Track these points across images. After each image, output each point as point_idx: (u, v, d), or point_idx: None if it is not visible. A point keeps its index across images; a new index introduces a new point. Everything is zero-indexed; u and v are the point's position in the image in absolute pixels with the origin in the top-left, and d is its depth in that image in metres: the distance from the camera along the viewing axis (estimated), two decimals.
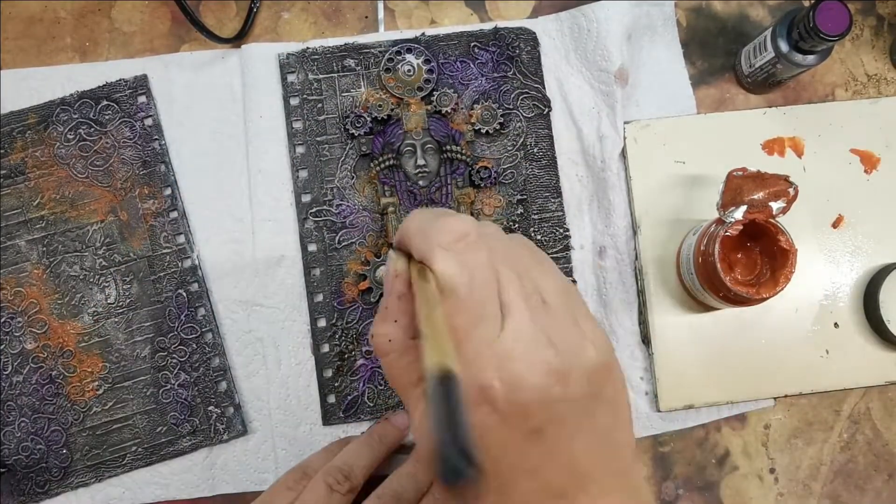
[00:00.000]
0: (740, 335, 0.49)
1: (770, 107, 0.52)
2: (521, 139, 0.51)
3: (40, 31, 0.53)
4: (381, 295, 0.48)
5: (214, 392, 0.49)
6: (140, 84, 0.51)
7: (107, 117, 0.50)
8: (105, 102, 0.51)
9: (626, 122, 0.51)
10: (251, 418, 0.49)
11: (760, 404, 0.50)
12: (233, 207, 0.51)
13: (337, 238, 0.50)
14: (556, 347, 0.26)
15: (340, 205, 0.50)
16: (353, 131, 0.49)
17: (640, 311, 0.50)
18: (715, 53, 0.53)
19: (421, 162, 0.49)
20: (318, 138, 0.50)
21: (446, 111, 0.50)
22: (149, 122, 0.51)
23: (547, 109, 0.51)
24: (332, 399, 0.49)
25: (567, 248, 0.51)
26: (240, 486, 0.49)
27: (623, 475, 0.29)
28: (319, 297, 0.49)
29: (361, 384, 0.49)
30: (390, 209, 0.49)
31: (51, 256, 0.49)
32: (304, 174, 0.50)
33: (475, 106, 0.50)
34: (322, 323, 0.49)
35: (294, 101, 0.50)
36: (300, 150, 0.50)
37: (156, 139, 0.51)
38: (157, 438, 0.48)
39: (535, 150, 0.51)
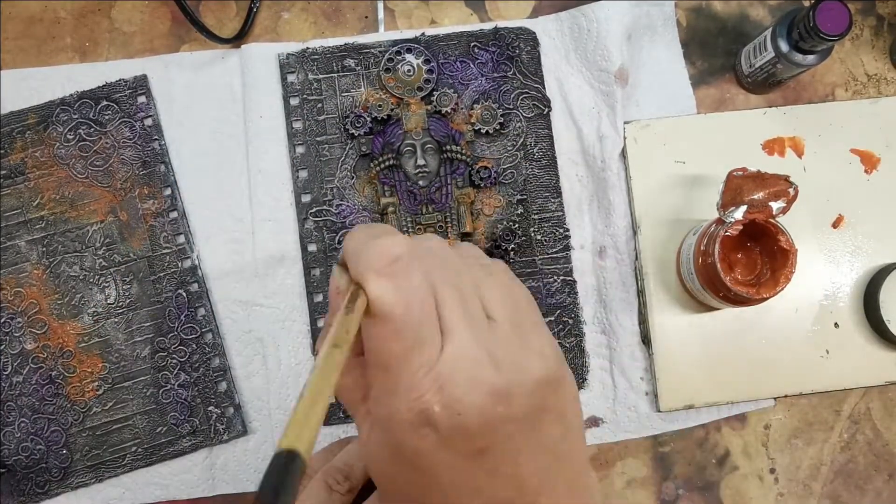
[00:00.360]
0: (740, 335, 0.49)
1: (770, 107, 0.52)
2: (521, 139, 0.51)
3: (40, 31, 0.53)
4: None
5: (214, 392, 0.49)
6: (140, 84, 0.51)
7: (107, 117, 0.50)
8: (105, 102, 0.51)
9: (626, 122, 0.51)
10: (251, 418, 0.49)
11: (760, 404, 0.50)
12: (233, 207, 0.51)
13: (337, 238, 0.50)
14: (499, 366, 0.26)
15: (340, 205, 0.50)
16: (353, 131, 0.49)
17: (640, 311, 0.50)
18: (715, 53, 0.53)
19: (421, 162, 0.49)
20: (317, 138, 0.50)
21: (446, 111, 0.50)
22: (149, 122, 0.51)
23: (547, 109, 0.51)
24: (331, 399, 0.49)
25: (567, 247, 0.50)
26: (240, 487, 0.49)
27: (573, 484, 0.29)
28: (319, 298, 0.49)
29: None
30: (390, 209, 0.49)
31: (51, 257, 0.49)
32: (304, 174, 0.50)
33: (475, 106, 0.50)
34: (322, 323, 0.49)
35: (294, 101, 0.50)
36: (300, 150, 0.50)
37: (156, 139, 0.51)
38: (157, 439, 0.48)
39: (535, 150, 0.51)
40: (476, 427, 0.25)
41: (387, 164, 0.49)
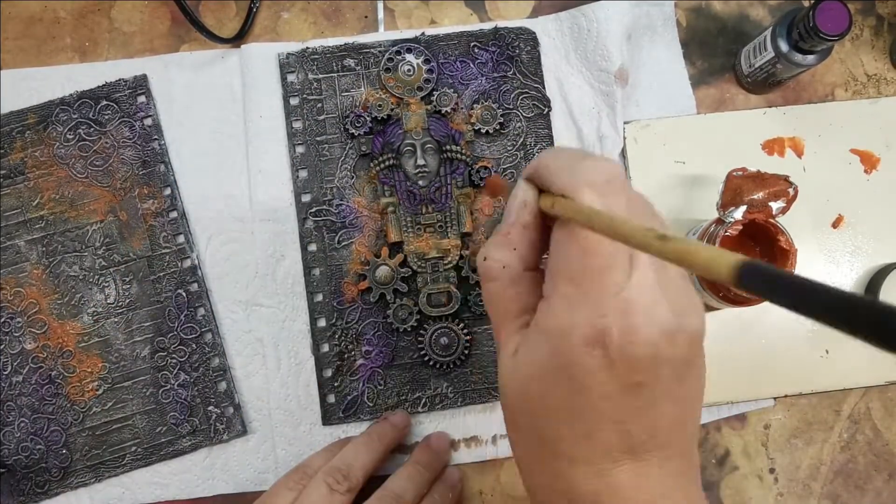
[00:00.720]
0: (740, 335, 0.49)
1: (770, 107, 0.52)
2: (521, 139, 0.51)
3: (40, 31, 0.53)
4: (381, 294, 0.48)
5: (214, 392, 0.49)
6: (140, 84, 0.51)
7: (106, 117, 0.50)
8: (105, 102, 0.51)
9: (626, 122, 0.51)
10: (251, 418, 0.49)
11: (760, 404, 0.50)
12: (233, 207, 0.51)
13: (337, 238, 0.50)
14: (672, 308, 0.26)
15: (340, 205, 0.50)
16: (353, 131, 0.49)
17: None
18: (715, 53, 0.53)
19: (421, 162, 0.49)
20: (317, 138, 0.50)
21: (446, 111, 0.50)
22: (148, 122, 0.51)
23: (547, 109, 0.51)
24: (331, 399, 0.49)
25: None
26: (240, 486, 0.49)
27: (690, 443, 0.30)
28: (319, 297, 0.49)
29: (361, 384, 0.49)
30: (390, 209, 0.49)
31: (50, 256, 0.49)
32: (303, 174, 0.50)
33: (475, 106, 0.50)
34: (322, 323, 0.49)
35: (294, 101, 0.50)
36: (300, 149, 0.50)
37: (155, 139, 0.51)
38: (156, 438, 0.48)
39: (535, 150, 0.51)
40: (643, 359, 0.26)
41: (387, 163, 0.49)
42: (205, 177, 0.51)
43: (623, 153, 0.51)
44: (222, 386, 0.49)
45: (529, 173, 0.31)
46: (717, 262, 0.20)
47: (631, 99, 0.52)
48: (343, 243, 0.50)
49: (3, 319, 0.49)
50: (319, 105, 0.50)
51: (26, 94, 0.51)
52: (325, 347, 0.49)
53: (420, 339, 0.49)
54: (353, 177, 0.50)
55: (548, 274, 0.28)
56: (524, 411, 0.30)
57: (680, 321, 0.27)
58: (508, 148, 0.51)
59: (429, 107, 0.50)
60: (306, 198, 0.50)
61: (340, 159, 0.50)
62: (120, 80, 0.51)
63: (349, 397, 0.49)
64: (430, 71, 0.50)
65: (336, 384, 0.49)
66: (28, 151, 0.50)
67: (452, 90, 0.50)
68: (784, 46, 0.47)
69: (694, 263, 0.21)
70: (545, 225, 0.30)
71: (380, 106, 0.50)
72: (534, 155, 0.51)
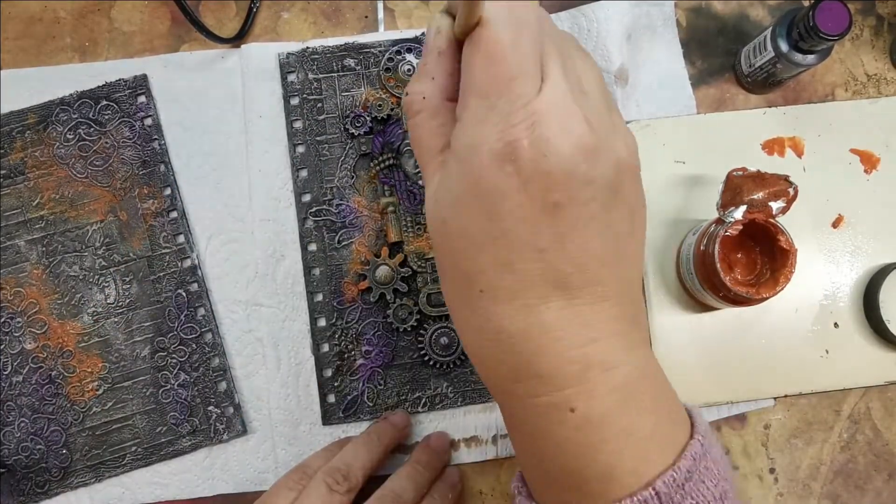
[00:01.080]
0: (740, 335, 0.49)
1: (770, 107, 0.52)
2: None
3: (40, 31, 0.53)
4: (381, 294, 0.48)
5: (214, 392, 0.49)
6: (140, 84, 0.51)
7: (106, 117, 0.50)
8: (105, 102, 0.51)
9: (626, 122, 0.51)
10: (251, 418, 0.49)
11: (760, 404, 0.50)
12: (233, 207, 0.51)
13: (337, 238, 0.50)
14: (591, 125, 0.26)
15: (340, 204, 0.50)
16: (353, 131, 0.49)
17: None
18: (715, 53, 0.53)
19: None
20: (317, 138, 0.50)
21: None
22: (148, 122, 0.51)
23: None
24: (331, 399, 0.49)
25: None
26: (240, 486, 0.49)
27: (629, 286, 0.29)
28: (319, 297, 0.49)
29: (361, 384, 0.49)
30: (390, 209, 0.49)
31: (50, 256, 0.49)
32: (303, 174, 0.50)
33: None
34: (322, 322, 0.49)
35: (294, 101, 0.51)
36: (300, 149, 0.50)
37: (155, 139, 0.51)
38: (156, 438, 0.48)
39: None
40: (557, 175, 0.25)
41: (387, 163, 0.49)
42: (205, 177, 0.51)
43: None
44: (222, 386, 0.49)
45: (447, 5, 0.30)
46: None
47: (631, 99, 0.52)
48: (343, 243, 0.50)
49: (3, 319, 0.49)
50: (319, 105, 0.50)
51: (26, 94, 0.51)
52: (325, 347, 0.49)
53: (420, 338, 0.49)
54: (353, 177, 0.50)
55: (460, 94, 0.27)
56: (446, 247, 0.28)
57: (599, 139, 0.26)
58: None
59: None
60: (306, 198, 0.50)
61: (340, 159, 0.50)
62: (120, 80, 0.51)
63: (349, 397, 0.49)
64: None
65: (336, 384, 0.49)
66: (28, 151, 0.50)
67: None
68: (784, 46, 0.47)
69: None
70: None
71: (380, 106, 0.50)
72: None
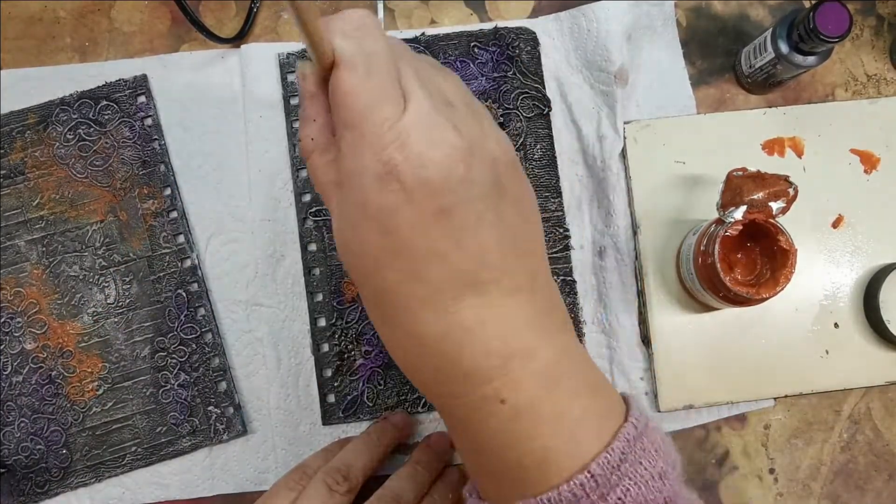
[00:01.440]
0: (740, 335, 0.49)
1: (770, 107, 0.52)
2: (521, 139, 0.51)
3: (40, 31, 0.53)
4: None
5: (214, 392, 0.49)
6: (140, 84, 0.51)
7: (106, 117, 0.50)
8: (105, 102, 0.51)
9: (626, 122, 0.51)
10: (251, 418, 0.49)
11: (760, 404, 0.50)
12: (232, 207, 0.51)
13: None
14: (460, 132, 0.27)
15: None
16: None
17: (640, 311, 0.50)
18: (715, 53, 0.53)
19: None
20: None
21: None
22: (148, 122, 0.51)
23: (547, 109, 0.51)
24: (331, 399, 0.49)
25: (567, 247, 0.50)
26: (240, 486, 0.49)
27: (534, 276, 0.30)
28: (319, 297, 0.49)
29: (361, 384, 0.49)
30: None
31: (50, 256, 0.49)
32: (304, 174, 0.50)
33: None
34: (322, 322, 0.49)
35: (294, 101, 0.50)
36: (300, 150, 0.50)
37: (155, 139, 0.51)
38: (156, 438, 0.48)
39: (535, 150, 0.51)
40: (438, 181, 0.27)
41: None
42: (205, 177, 0.51)
43: (623, 153, 0.51)
44: (222, 386, 0.49)
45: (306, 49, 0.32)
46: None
47: (631, 99, 0.52)
48: None
49: (3, 319, 0.49)
50: None
51: (26, 94, 0.51)
52: (325, 347, 0.49)
53: None
54: None
55: (336, 129, 0.29)
56: (356, 270, 0.30)
57: (470, 143, 0.27)
58: None
59: None
60: (306, 198, 0.50)
61: None
62: (120, 80, 0.51)
63: (349, 397, 0.49)
64: None
65: (336, 384, 0.49)
66: (28, 151, 0.50)
67: None
68: (784, 48, 0.47)
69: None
70: None
71: None
72: (534, 155, 0.51)
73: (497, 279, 0.28)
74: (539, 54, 0.51)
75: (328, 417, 0.49)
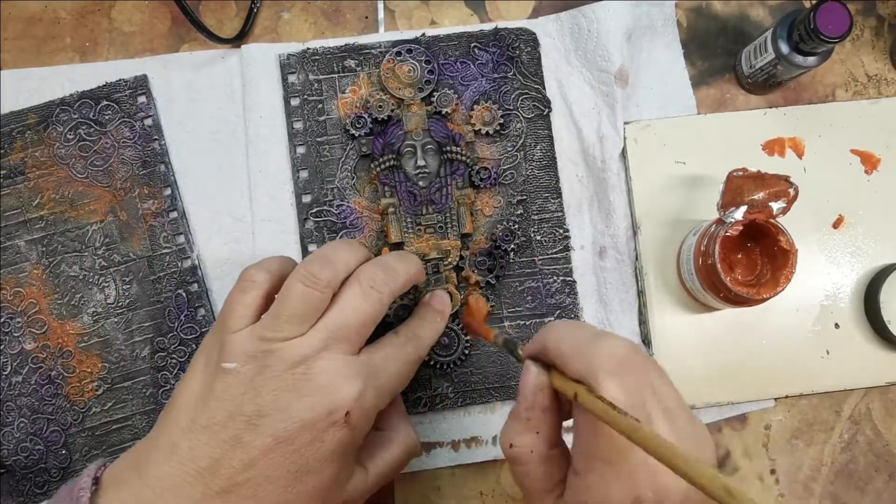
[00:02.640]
0: (741, 336, 0.49)
1: (770, 107, 0.52)
2: (521, 140, 0.51)
3: (40, 31, 0.53)
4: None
5: None
6: (140, 84, 0.51)
7: (106, 117, 0.50)
8: (105, 102, 0.51)
9: (626, 123, 0.51)
10: None
11: (761, 405, 0.50)
12: (233, 207, 0.51)
13: (337, 238, 0.50)
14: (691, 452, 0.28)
15: (341, 205, 0.50)
16: (354, 132, 0.49)
17: (640, 311, 0.50)
18: (715, 54, 0.53)
19: (421, 163, 0.49)
20: (318, 139, 0.50)
21: (446, 112, 0.50)
22: (149, 122, 0.51)
23: (547, 110, 0.51)
24: None
25: (567, 248, 0.50)
26: None
27: None
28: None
29: None
30: (390, 210, 0.49)
31: (50, 256, 0.49)
32: (304, 174, 0.50)
33: (475, 107, 0.50)
34: None
35: (294, 102, 0.50)
36: (300, 150, 0.50)
37: (155, 139, 0.51)
38: None
39: (535, 151, 0.51)
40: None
41: (387, 164, 0.49)
42: (205, 177, 0.51)
43: (623, 153, 0.51)
44: None
45: (536, 350, 0.32)
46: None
47: (631, 99, 0.52)
48: None
49: (2, 319, 0.49)
50: (320, 106, 0.50)
51: (26, 94, 0.51)
52: None
53: None
54: (353, 177, 0.50)
55: (577, 452, 0.30)
56: None
57: (702, 473, 0.28)
58: (508, 149, 0.51)
59: (429, 108, 0.50)
60: (307, 198, 0.50)
61: (341, 160, 0.50)
62: (120, 80, 0.51)
63: None
64: (430, 72, 0.50)
65: None
66: (28, 151, 0.50)
67: (453, 91, 0.50)
68: (785, 48, 0.47)
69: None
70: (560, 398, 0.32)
71: (380, 107, 0.49)
72: (534, 156, 0.51)
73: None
74: (539, 55, 0.51)
75: None
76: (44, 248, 0.49)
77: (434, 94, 0.50)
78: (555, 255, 0.50)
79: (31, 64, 0.52)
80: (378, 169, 0.49)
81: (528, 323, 0.50)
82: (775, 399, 0.50)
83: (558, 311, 0.50)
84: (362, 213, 0.50)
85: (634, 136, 0.51)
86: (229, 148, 0.51)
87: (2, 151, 0.50)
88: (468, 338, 0.49)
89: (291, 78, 0.51)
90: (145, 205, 0.50)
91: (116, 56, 0.52)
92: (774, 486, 0.50)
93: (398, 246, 0.49)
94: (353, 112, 0.50)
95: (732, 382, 0.49)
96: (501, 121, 0.50)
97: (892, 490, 0.50)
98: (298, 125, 0.50)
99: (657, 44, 0.53)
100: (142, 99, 0.51)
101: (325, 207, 0.50)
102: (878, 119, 0.51)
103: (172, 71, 0.52)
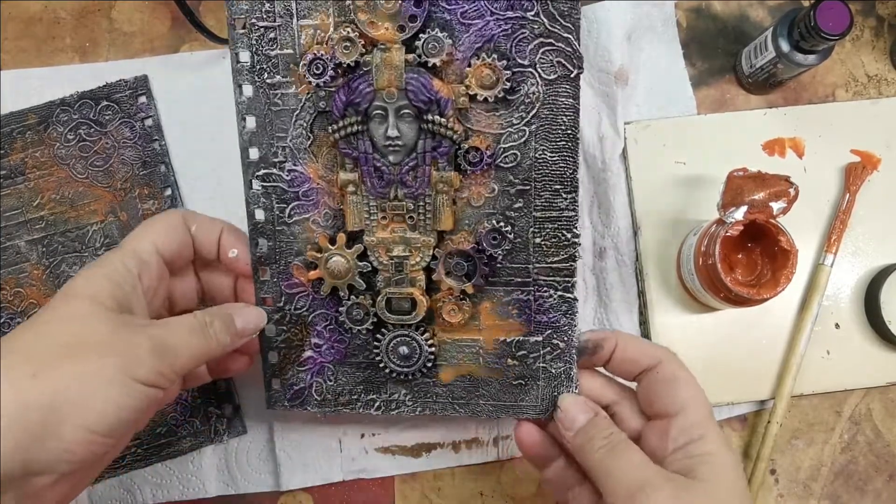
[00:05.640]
0: (741, 336, 0.49)
1: (770, 107, 0.52)
2: (534, 110, 0.38)
3: (40, 32, 0.53)
4: (334, 288, 0.41)
5: (214, 392, 0.49)
6: (140, 84, 0.51)
7: (107, 118, 0.50)
8: (105, 103, 0.51)
9: (626, 123, 0.51)
10: (251, 418, 0.49)
11: (761, 405, 0.50)
12: (233, 207, 0.51)
13: (287, 211, 0.40)
14: None
15: (294, 171, 0.40)
16: (311, 78, 0.38)
17: (640, 311, 0.50)
18: (715, 54, 0.53)
19: (393, 132, 0.38)
20: (267, 80, 0.39)
21: (434, 63, 0.37)
22: (149, 122, 0.51)
23: (577, 71, 0.37)
24: (276, 385, 0.43)
25: (573, 257, 0.39)
26: (240, 488, 0.49)
27: None
28: (266, 276, 0.41)
29: (309, 376, 0.43)
30: (350, 188, 0.39)
31: (50, 257, 0.49)
32: (251, 123, 0.40)
33: (474, 60, 0.37)
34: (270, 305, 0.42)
35: (240, 28, 0.38)
36: (247, 90, 0.39)
37: (156, 139, 0.51)
38: (157, 439, 0.48)
39: (552, 127, 0.38)
40: None
41: (350, 129, 0.38)
42: (205, 177, 0.51)
43: (623, 154, 0.51)
44: (222, 386, 0.49)
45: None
46: None
47: (631, 99, 0.52)
48: (294, 219, 0.40)
49: (3, 320, 0.49)
50: (272, 35, 0.38)
51: (26, 94, 0.51)
52: (272, 330, 0.42)
53: (377, 342, 0.41)
54: (309, 137, 0.39)
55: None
56: None
57: None
58: (514, 122, 0.38)
59: (410, 56, 0.37)
60: (254, 153, 0.40)
61: (295, 112, 0.39)
62: (120, 80, 0.51)
63: (296, 387, 0.43)
64: (417, 2, 0.36)
65: (282, 371, 0.43)
66: (28, 152, 0.50)
67: (447, 33, 0.37)
68: (785, 46, 0.47)
69: None
70: None
71: (346, 48, 0.37)
72: (549, 133, 0.38)
73: None
74: None
75: (272, 402, 0.43)
76: (44, 249, 0.49)
77: (420, 35, 0.36)
78: (556, 265, 0.40)
79: (31, 64, 0.52)
80: (337, 135, 0.38)
81: (508, 340, 0.41)
82: (775, 399, 0.50)
83: (549, 331, 0.40)
84: (317, 183, 0.40)
85: (634, 137, 0.51)
86: (229, 148, 0.51)
87: (2, 152, 0.50)
88: (433, 349, 0.41)
89: None
90: (145, 205, 0.50)
91: (117, 56, 0.52)
92: (774, 486, 0.50)
93: (356, 235, 0.40)
94: (312, 52, 0.38)
95: (732, 382, 0.49)
96: (508, 84, 0.37)
97: (892, 490, 0.50)
98: (245, 57, 0.39)
99: (657, 44, 0.53)
100: (142, 99, 0.51)
101: (273, 170, 0.40)
102: (878, 119, 0.51)
103: (173, 71, 0.52)
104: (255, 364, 0.49)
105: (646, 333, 0.50)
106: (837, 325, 0.50)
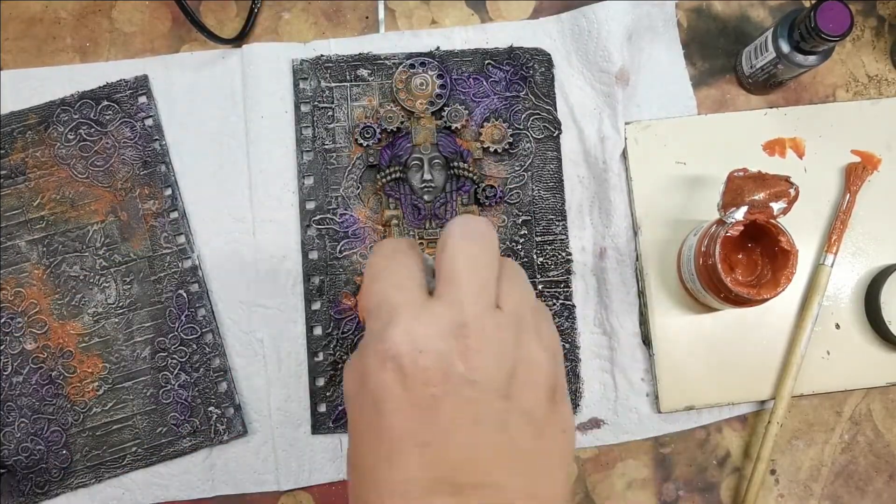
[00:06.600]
0: (741, 336, 0.49)
1: (771, 107, 0.52)
2: (530, 160, 0.51)
3: (40, 32, 0.53)
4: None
5: (215, 392, 0.49)
6: (141, 84, 0.51)
7: (107, 118, 0.50)
8: (105, 103, 0.51)
9: (627, 123, 0.51)
10: (251, 419, 0.49)
11: (761, 405, 0.50)
12: (233, 208, 0.51)
13: (339, 248, 0.50)
14: (479, 333, 0.27)
15: (344, 214, 0.50)
16: (362, 142, 0.49)
17: (640, 311, 0.50)
18: (716, 54, 0.53)
19: (427, 177, 0.49)
20: (325, 146, 0.50)
21: (456, 127, 0.50)
22: (149, 122, 0.51)
23: (557, 132, 0.51)
24: (322, 408, 0.49)
25: (568, 272, 0.50)
26: (240, 488, 0.49)
27: (531, 498, 0.28)
28: (317, 306, 0.49)
29: None
30: (394, 222, 0.49)
31: (51, 257, 0.49)
32: (310, 181, 0.50)
33: (485, 124, 0.50)
34: (318, 331, 0.49)
35: (305, 108, 0.50)
36: (308, 157, 0.50)
37: (156, 139, 0.51)
38: (157, 439, 0.48)
39: (543, 172, 0.51)
40: (434, 371, 0.26)
41: (393, 176, 0.49)
42: (206, 177, 0.51)
43: (624, 154, 0.51)
44: (223, 386, 0.49)
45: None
46: None
47: (632, 100, 0.52)
48: (344, 253, 0.50)
49: (3, 320, 0.49)
50: (330, 113, 0.50)
51: (27, 94, 0.51)
52: (320, 356, 0.49)
53: None
54: (358, 187, 0.50)
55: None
56: (351, 442, 0.29)
57: (483, 346, 0.27)
58: (516, 168, 0.51)
59: (439, 122, 0.50)
60: (311, 205, 0.50)
61: (347, 169, 0.50)
62: (121, 80, 0.51)
63: (340, 408, 0.49)
64: (442, 86, 0.50)
65: (328, 394, 0.49)
66: (29, 152, 0.50)
67: (464, 107, 0.50)
68: (785, 47, 0.47)
69: None
70: None
71: (390, 118, 0.50)
72: (541, 177, 0.50)
73: (483, 486, 0.26)
74: (553, 76, 0.51)
75: (318, 427, 0.48)
76: (44, 249, 0.49)
77: (445, 108, 0.50)
78: (556, 279, 0.50)
79: (31, 64, 0.52)
80: (384, 180, 0.49)
81: None
82: (775, 399, 0.50)
83: None
84: (365, 223, 0.50)
85: (635, 137, 0.51)
86: (230, 148, 0.51)
87: (2, 152, 0.50)
88: None
89: (303, 84, 0.51)
90: (146, 205, 0.50)
91: (117, 56, 0.52)
92: (774, 486, 0.50)
93: None
94: (363, 122, 0.50)
95: (733, 383, 0.49)
96: (511, 140, 0.50)
97: (893, 491, 0.50)
98: (307, 132, 0.50)
99: (658, 44, 0.53)
100: (142, 99, 0.51)
101: (328, 215, 0.50)
102: (878, 119, 0.51)
103: (173, 71, 0.52)
104: (253, 364, 0.50)
105: (646, 333, 0.50)
106: (838, 326, 0.50)
